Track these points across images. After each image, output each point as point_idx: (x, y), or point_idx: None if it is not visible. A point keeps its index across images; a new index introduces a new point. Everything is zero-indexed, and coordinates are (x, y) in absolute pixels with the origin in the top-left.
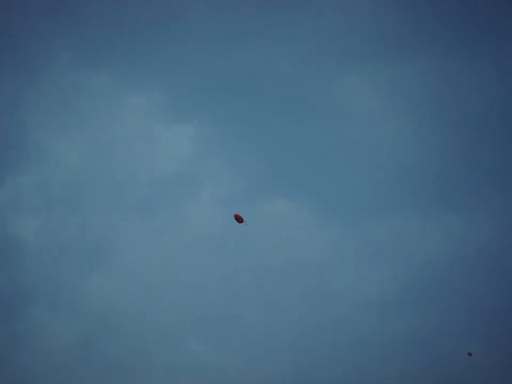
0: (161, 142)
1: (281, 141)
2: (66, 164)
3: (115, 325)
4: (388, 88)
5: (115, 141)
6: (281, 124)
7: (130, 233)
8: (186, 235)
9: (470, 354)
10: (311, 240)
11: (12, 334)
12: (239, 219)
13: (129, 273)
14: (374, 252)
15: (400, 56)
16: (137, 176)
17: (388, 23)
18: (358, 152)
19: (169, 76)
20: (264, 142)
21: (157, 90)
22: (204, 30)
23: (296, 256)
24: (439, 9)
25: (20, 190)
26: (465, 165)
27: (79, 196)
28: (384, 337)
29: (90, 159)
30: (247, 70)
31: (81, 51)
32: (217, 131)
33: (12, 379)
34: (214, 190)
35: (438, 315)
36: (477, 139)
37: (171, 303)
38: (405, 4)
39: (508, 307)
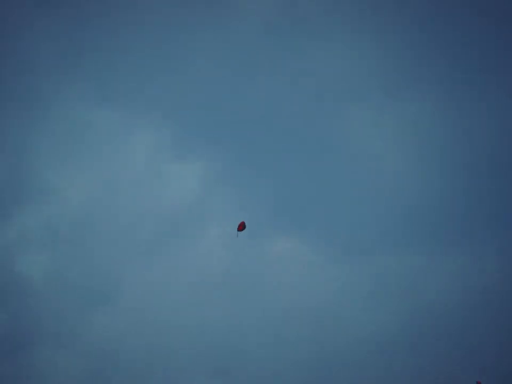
0: (168, 180)
1: (288, 179)
2: (73, 202)
3: (121, 363)
4: (395, 126)
5: (122, 178)
6: (288, 161)
7: (137, 271)
8: (193, 273)
9: (479, 383)
10: (318, 279)
11: (16, 371)
12: (240, 227)
13: (135, 311)
14: (381, 291)
15: (407, 95)
16: (144, 213)
17: (396, 62)
18: (364, 190)
19: (177, 113)
20: (271, 180)
21: (165, 127)
22: (212, 67)
23: (302, 295)
24: (448, 49)
25: (26, 227)
26: (472, 204)
27: (85, 233)
28: (393, 377)
29: (97, 197)
30: (254, 108)
31: (89, 88)
32: (224, 169)
33: None
34: (221, 228)
35: (447, 355)
36: (484, 178)
37: (177, 341)
38: (412, 43)
39: None
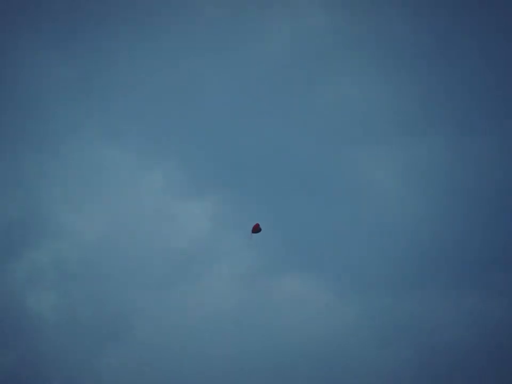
0: (177, 218)
1: (297, 217)
2: (83, 240)
3: None
4: (404, 164)
5: (133, 216)
6: (297, 200)
7: (147, 308)
8: (202, 311)
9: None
10: (328, 317)
11: None
12: (254, 229)
13: (145, 348)
14: (391, 330)
15: (417, 134)
16: (154, 251)
17: (405, 99)
18: (374, 227)
19: (186, 152)
20: (281, 218)
21: (174, 166)
22: (222, 107)
23: (312, 334)
24: (457, 88)
25: (37, 264)
26: (484, 241)
27: (95, 271)
28: None
29: (107, 234)
30: (263, 146)
31: (100, 129)
32: (233, 208)
33: None
34: (231, 266)
35: None
36: (495, 214)
37: (189, 379)
38: (421, 84)
39: None
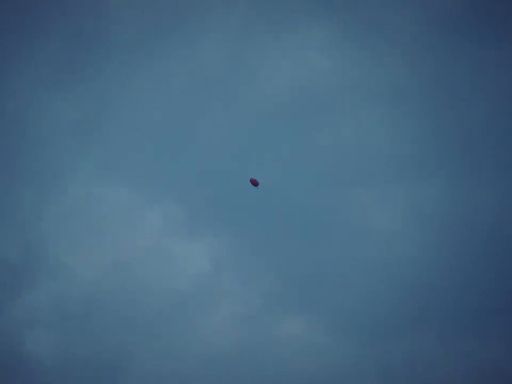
0: (176, 258)
1: (297, 257)
2: (82, 279)
3: None
4: (402, 207)
5: (131, 256)
6: (297, 241)
7: (146, 347)
8: (201, 352)
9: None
10: (327, 358)
11: None
12: (254, 183)
13: None
14: (388, 373)
15: (413, 177)
16: (152, 292)
17: (405, 143)
18: (374, 271)
19: (186, 191)
20: (280, 259)
21: (174, 205)
22: (220, 147)
23: (311, 374)
24: (458, 131)
25: (35, 305)
26: (484, 285)
27: (94, 311)
28: None
29: (106, 273)
30: (263, 187)
31: (100, 166)
32: (233, 247)
33: None
34: (229, 307)
35: None
36: (495, 258)
37: None
38: (422, 127)
39: None
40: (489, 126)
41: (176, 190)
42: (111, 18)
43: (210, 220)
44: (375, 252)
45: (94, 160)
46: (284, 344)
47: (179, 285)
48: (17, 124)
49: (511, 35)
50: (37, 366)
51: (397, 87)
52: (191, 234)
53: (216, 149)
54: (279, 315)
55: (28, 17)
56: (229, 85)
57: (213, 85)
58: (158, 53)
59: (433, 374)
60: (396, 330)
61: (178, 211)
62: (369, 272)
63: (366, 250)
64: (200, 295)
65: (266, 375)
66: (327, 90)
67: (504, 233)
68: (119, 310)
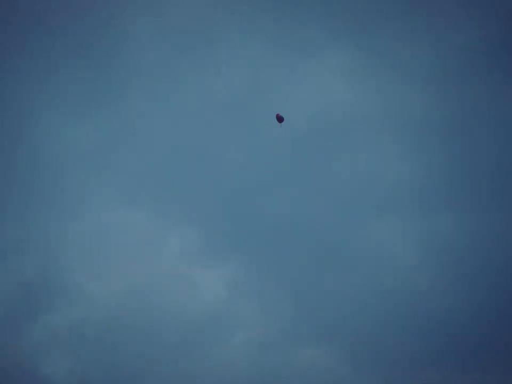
0: (194, 284)
1: (315, 286)
2: (99, 303)
3: None
4: (420, 239)
5: (149, 281)
6: (315, 269)
7: (162, 374)
8: (216, 379)
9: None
10: None
11: None
12: (279, 119)
13: None
14: None
15: (433, 209)
16: (169, 317)
17: (423, 176)
18: (391, 301)
19: (205, 217)
20: (298, 287)
21: (192, 231)
22: (239, 175)
23: None
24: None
25: (52, 328)
26: (499, 317)
27: (110, 336)
28: None
29: (122, 299)
30: (282, 215)
31: (117, 192)
32: (250, 274)
33: None
34: (246, 334)
35: None
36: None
37: None
38: (440, 160)
39: None
40: (509, 158)
41: (194, 216)
42: (130, 44)
43: (228, 247)
44: (392, 283)
45: (111, 185)
46: (301, 372)
47: (196, 310)
48: (35, 149)
49: None
50: None
51: (417, 120)
52: (208, 260)
53: (235, 176)
54: (296, 344)
55: (47, 43)
56: (247, 112)
57: (231, 111)
58: (176, 78)
59: None
60: (415, 361)
61: (195, 237)
62: (387, 303)
63: (383, 280)
64: (217, 321)
65: None
66: (346, 119)
67: None
68: (135, 335)
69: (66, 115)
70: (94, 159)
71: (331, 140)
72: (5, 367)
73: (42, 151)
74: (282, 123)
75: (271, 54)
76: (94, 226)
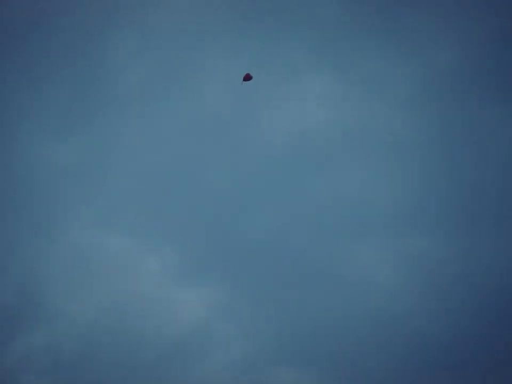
0: (173, 305)
1: (294, 308)
2: (78, 324)
3: None
4: (401, 261)
5: (128, 302)
6: (294, 291)
7: None
8: None
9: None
10: None
11: None
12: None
13: None
14: None
15: (411, 231)
16: (148, 338)
17: (404, 197)
18: (372, 323)
19: (184, 238)
20: (278, 309)
21: (172, 252)
22: (218, 195)
23: None
24: (456, 187)
25: (29, 350)
26: (486, 339)
27: (88, 357)
28: None
29: (101, 320)
30: (261, 237)
31: (98, 213)
32: (230, 295)
33: None
34: (224, 356)
35: None
36: (496, 312)
37: None
38: (421, 181)
39: None
40: (489, 182)
41: (175, 237)
42: (113, 64)
43: (208, 267)
44: (374, 304)
45: (93, 205)
46: None
47: (175, 331)
48: (17, 167)
49: None
50: None
51: (398, 140)
52: (188, 281)
53: (214, 197)
54: (276, 365)
55: (31, 61)
56: (227, 134)
57: (211, 134)
58: (160, 97)
59: None
60: (396, 382)
61: (176, 258)
62: (369, 324)
63: (365, 302)
64: (196, 341)
65: None
66: (326, 140)
67: (504, 288)
68: (114, 357)
69: (45, 134)
70: (73, 179)
71: (312, 161)
72: None
73: (21, 171)
74: (247, 81)
75: (252, 76)
76: (74, 246)
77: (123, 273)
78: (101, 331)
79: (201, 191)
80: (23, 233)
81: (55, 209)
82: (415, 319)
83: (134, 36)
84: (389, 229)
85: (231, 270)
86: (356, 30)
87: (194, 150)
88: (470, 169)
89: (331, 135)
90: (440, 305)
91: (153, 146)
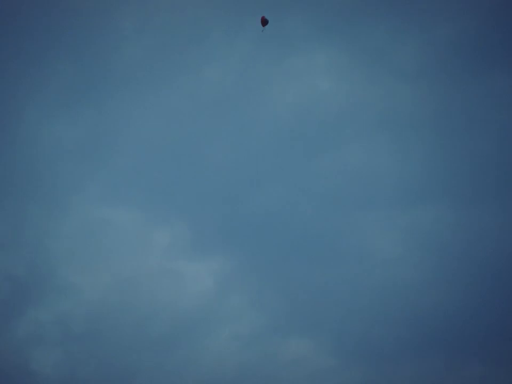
0: (182, 277)
1: (301, 279)
2: (88, 298)
3: None
4: (406, 231)
5: (138, 276)
6: (301, 262)
7: (151, 366)
8: (204, 373)
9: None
10: (330, 381)
11: None
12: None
13: None
14: None
15: (417, 203)
16: (158, 311)
17: (409, 168)
18: (377, 293)
19: (193, 211)
20: (284, 280)
21: (180, 225)
22: (226, 169)
23: None
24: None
25: (40, 323)
26: (487, 308)
27: (99, 330)
28: None
29: (112, 293)
30: (268, 209)
31: (106, 187)
32: (239, 267)
33: None
34: (233, 327)
35: None
36: (497, 281)
37: None
38: (426, 152)
39: None
40: (494, 155)
41: (184, 211)
42: (119, 44)
43: (217, 241)
44: (378, 274)
45: (101, 180)
46: (289, 366)
47: (184, 304)
48: (26, 145)
49: None
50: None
51: (402, 112)
52: (197, 254)
53: (222, 171)
54: (285, 337)
55: (37, 40)
56: (234, 109)
57: (218, 108)
58: (164, 77)
59: None
60: (402, 353)
61: (185, 231)
62: (373, 294)
63: (370, 273)
64: (205, 315)
65: None
66: (332, 113)
67: (507, 257)
68: (124, 329)
69: (53, 111)
70: (81, 154)
71: (317, 134)
72: None
73: (30, 147)
74: (265, 26)
75: (256, 51)
76: (82, 221)
77: (131, 246)
78: (111, 304)
79: (210, 165)
80: (33, 208)
81: (64, 185)
82: (421, 289)
83: (141, 13)
84: (394, 200)
85: (239, 243)
86: (362, 1)
87: (204, 124)
88: (475, 140)
89: (336, 107)
90: (445, 274)
91: (163, 121)
